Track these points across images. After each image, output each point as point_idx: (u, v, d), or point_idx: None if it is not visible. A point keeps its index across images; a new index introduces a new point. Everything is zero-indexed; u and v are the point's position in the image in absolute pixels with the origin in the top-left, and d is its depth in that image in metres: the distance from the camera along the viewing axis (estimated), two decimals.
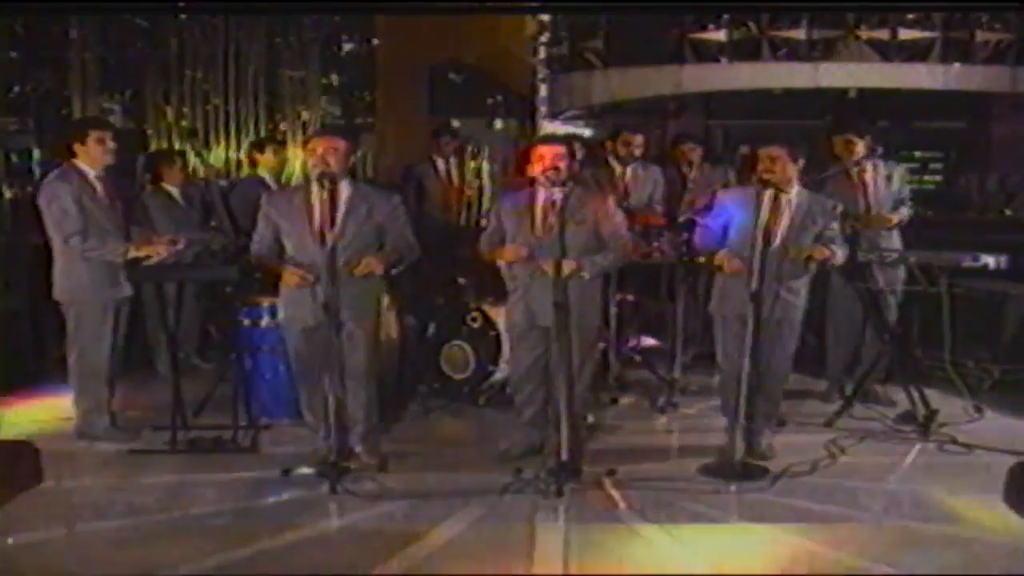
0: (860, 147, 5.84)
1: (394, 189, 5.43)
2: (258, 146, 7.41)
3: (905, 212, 5.89)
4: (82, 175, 5.13)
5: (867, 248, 5.66)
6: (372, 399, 4.84)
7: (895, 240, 5.89)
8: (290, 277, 4.58)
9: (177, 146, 9.49)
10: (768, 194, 4.76)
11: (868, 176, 5.87)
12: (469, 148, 7.64)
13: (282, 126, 10.18)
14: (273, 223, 4.69)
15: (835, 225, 4.88)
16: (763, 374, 4.77)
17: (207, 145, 9.80)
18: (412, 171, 7.66)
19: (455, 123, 8.19)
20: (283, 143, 8.12)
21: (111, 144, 5.19)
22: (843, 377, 6.06)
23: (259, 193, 5.29)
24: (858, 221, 5.72)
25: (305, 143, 4.79)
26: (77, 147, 5.14)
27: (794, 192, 4.81)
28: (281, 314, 4.84)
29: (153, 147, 9.36)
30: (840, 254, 4.86)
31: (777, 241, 4.73)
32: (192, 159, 9.17)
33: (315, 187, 4.54)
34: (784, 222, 4.78)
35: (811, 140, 6.51)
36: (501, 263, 4.89)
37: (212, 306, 6.59)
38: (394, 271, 4.81)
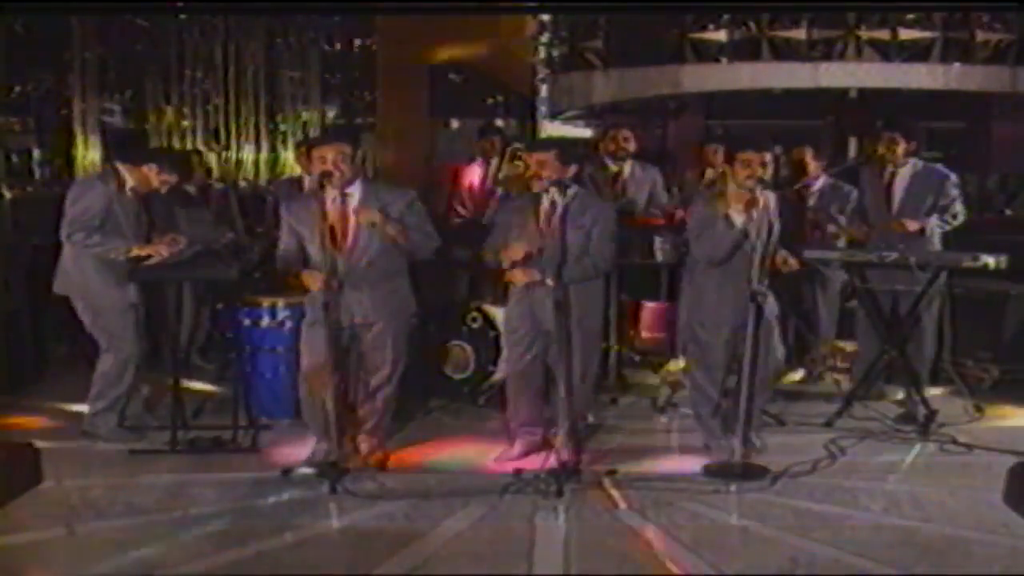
0: (901, 148, 5.78)
1: (433, 191, 5.38)
2: (299, 148, 7.36)
3: (934, 222, 5.75)
4: (120, 182, 5.19)
5: (870, 248, 5.66)
6: (390, 399, 4.85)
7: (933, 245, 5.78)
8: (310, 280, 4.57)
9: (179, 146, 9.50)
10: (747, 197, 4.73)
11: (899, 179, 5.81)
12: (510, 148, 7.42)
13: (282, 126, 10.19)
14: (294, 230, 4.70)
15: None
16: (757, 371, 4.77)
17: (221, 145, 9.80)
18: (461, 173, 7.39)
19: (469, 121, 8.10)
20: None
21: (157, 182, 5.29)
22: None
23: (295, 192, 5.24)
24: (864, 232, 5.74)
25: (309, 149, 4.78)
26: (153, 166, 5.25)
27: (760, 191, 4.73)
28: (309, 316, 4.80)
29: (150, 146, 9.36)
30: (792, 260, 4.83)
31: (758, 240, 4.67)
32: (211, 159, 9.15)
33: (327, 192, 4.55)
34: (758, 222, 4.69)
35: (812, 140, 6.54)
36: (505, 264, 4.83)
37: (214, 307, 6.59)
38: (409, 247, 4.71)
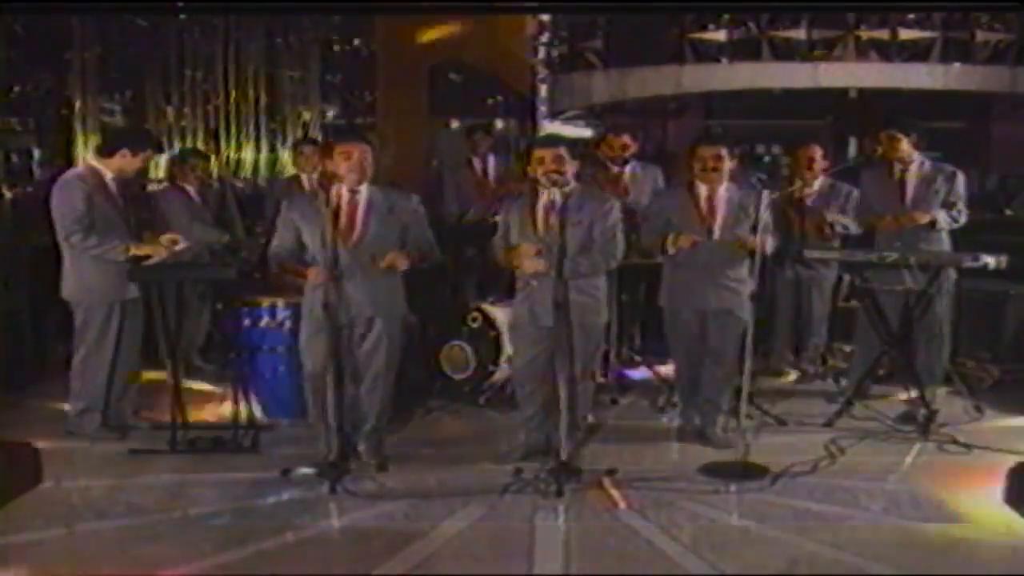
0: (904, 144, 5.70)
1: (417, 191, 5.46)
2: (296, 147, 7.47)
3: (942, 216, 5.64)
4: (98, 176, 5.19)
5: (873, 247, 5.65)
6: (386, 399, 4.85)
7: (942, 242, 5.72)
8: (315, 274, 4.58)
9: (179, 146, 9.50)
10: (704, 191, 5.02)
11: (910, 175, 5.73)
12: (505, 145, 7.59)
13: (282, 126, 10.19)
14: (294, 226, 4.70)
15: (767, 215, 4.96)
16: (713, 363, 5.06)
17: (217, 145, 9.81)
18: (447, 174, 7.62)
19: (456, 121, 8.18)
20: (315, 143, 8.02)
21: (139, 162, 5.33)
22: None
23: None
24: (880, 219, 5.73)
25: (330, 147, 4.79)
26: (125, 151, 5.21)
27: (724, 187, 5.01)
28: (308, 316, 4.80)
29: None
30: (771, 243, 5.02)
31: (716, 235, 4.98)
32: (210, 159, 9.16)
33: (336, 189, 4.59)
34: (719, 217, 5.01)
35: (812, 139, 6.54)
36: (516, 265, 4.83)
37: (214, 307, 6.59)
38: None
